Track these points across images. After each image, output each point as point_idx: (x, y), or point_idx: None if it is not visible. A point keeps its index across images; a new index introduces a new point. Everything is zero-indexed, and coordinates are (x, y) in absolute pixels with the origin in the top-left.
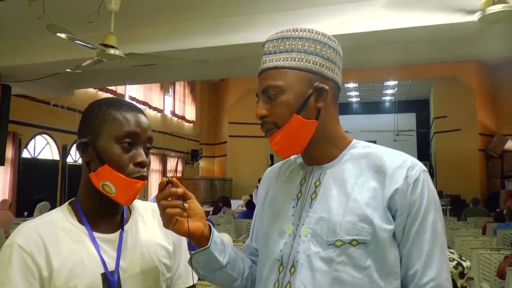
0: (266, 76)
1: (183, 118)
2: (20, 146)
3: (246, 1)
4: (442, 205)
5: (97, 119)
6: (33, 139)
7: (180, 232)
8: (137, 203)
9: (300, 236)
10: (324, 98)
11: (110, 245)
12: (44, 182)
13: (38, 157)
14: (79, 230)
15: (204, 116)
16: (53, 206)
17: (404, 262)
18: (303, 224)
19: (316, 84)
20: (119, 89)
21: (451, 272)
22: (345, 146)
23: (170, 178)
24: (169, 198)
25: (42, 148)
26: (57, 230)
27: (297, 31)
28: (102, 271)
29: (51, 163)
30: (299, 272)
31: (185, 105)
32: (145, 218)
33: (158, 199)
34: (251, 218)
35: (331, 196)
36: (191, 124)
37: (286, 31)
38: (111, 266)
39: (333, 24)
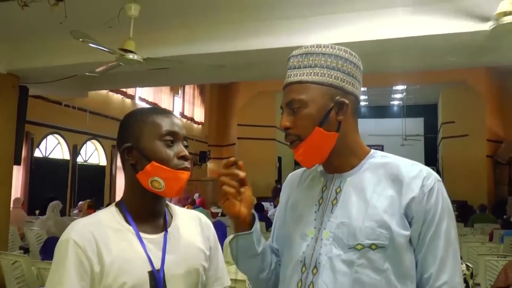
0: (291, 90)
1: (192, 119)
2: (32, 145)
3: (264, 7)
4: None
5: (136, 125)
6: (45, 139)
7: (228, 211)
8: (178, 209)
9: (322, 239)
10: (344, 111)
11: (155, 245)
12: (55, 181)
13: (50, 156)
14: (127, 230)
15: (213, 118)
16: (63, 205)
17: (419, 266)
18: (324, 228)
19: (337, 98)
20: (129, 90)
21: (465, 273)
22: (364, 155)
23: (238, 161)
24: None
25: (53, 147)
26: (106, 229)
27: (320, 47)
28: (149, 269)
29: (62, 163)
30: (321, 273)
31: (194, 106)
32: (186, 223)
33: (220, 173)
34: (260, 220)
35: (351, 202)
36: (200, 125)
37: (310, 47)
38: (156, 265)
39: (349, 32)
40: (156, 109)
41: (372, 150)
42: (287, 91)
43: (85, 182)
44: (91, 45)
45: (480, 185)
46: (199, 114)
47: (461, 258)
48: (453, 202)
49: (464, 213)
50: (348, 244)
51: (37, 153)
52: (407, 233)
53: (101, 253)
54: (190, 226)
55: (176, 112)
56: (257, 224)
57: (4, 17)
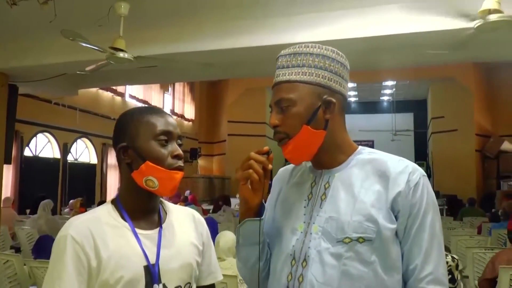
0: (279, 89)
1: (182, 116)
2: (22, 144)
3: (252, 5)
4: (439, 205)
5: (132, 124)
6: (35, 138)
7: (242, 193)
8: (172, 206)
9: (311, 233)
10: (331, 110)
11: (151, 241)
12: (45, 180)
13: (40, 155)
14: (123, 226)
15: (203, 115)
16: (54, 204)
17: (405, 258)
18: (313, 223)
19: (324, 97)
20: (120, 88)
21: (450, 265)
22: (351, 152)
23: (271, 152)
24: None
25: (43, 146)
26: (103, 225)
27: (308, 47)
28: (145, 263)
29: (52, 161)
30: (310, 266)
31: (184, 103)
32: (181, 220)
33: (250, 157)
34: None
35: (339, 197)
36: (190, 122)
37: (298, 47)
38: (152, 259)
39: (336, 29)
40: (151, 109)
41: (360, 147)
42: (276, 90)
43: (76, 181)
44: (82, 44)
45: (469, 179)
46: (189, 111)
47: (450, 251)
48: (442, 196)
49: (454, 207)
50: (337, 237)
51: (27, 152)
52: (393, 226)
53: (98, 249)
54: (183, 222)
55: (167, 109)
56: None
57: None
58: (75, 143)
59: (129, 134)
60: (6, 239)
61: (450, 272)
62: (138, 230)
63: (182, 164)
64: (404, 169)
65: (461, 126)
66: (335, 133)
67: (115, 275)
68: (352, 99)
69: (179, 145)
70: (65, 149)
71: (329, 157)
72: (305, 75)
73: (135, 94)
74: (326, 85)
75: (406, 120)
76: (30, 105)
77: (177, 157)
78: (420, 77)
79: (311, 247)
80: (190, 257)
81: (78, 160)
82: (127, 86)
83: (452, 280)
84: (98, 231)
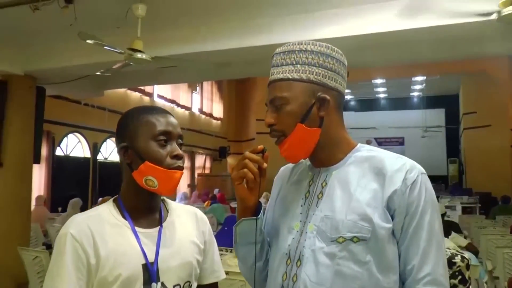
0: (274, 87)
1: (210, 115)
2: (53, 144)
3: (268, 4)
4: (471, 203)
5: (132, 124)
6: (66, 138)
7: (238, 193)
8: (175, 205)
9: (306, 232)
10: (326, 107)
11: (150, 239)
12: (76, 178)
13: (70, 154)
14: (123, 225)
15: (231, 113)
16: (84, 202)
17: (402, 258)
18: (309, 222)
19: (318, 94)
20: (147, 88)
21: (459, 265)
22: (349, 149)
23: (265, 150)
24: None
25: (74, 146)
26: (104, 223)
27: (301, 44)
28: (143, 261)
29: (83, 161)
30: (304, 265)
31: (212, 102)
32: (182, 218)
33: (245, 156)
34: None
35: (335, 196)
36: (219, 121)
37: (292, 45)
38: (151, 258)
39: (355, 25)
40: (151, 109)
41: (359, 144)
42: (271, 88)
43: (106, 179)
44: (98, 45)
45: (504, 176)
46: (218, 110)
47: (478, 251)
48: (476, 193)
49: (487, 205)
50: (331, 237)
51: (59, 152)
52: (389, 225)
53: (97, 247)
54: (185, 221)
55: (195, 109)
56: (262, 213)
57: (18, 21)
58: (104, 142)
59: (129, 135)
60: (39, 236)
61: (460, 272)
62: (138, 229)
63: (181, 164)
64: (401, 167)
65: (494, 121)
66: (331, 131)
67: (113, 272)
68: (382, 95)
69: (180, 145)
70: (95, 149)
71: (326, 155)
72: (299, 72)
73: (163, 93)
74: (320, 82)
75: (437, 116)
76: (61, 106)
77: (176, 157)
78: (451, 72)
79: (306, 246)
80: (190, 255)
81: (108, 159)
82: (155, 86)
83: (463, 281)
84: (98, 229)
